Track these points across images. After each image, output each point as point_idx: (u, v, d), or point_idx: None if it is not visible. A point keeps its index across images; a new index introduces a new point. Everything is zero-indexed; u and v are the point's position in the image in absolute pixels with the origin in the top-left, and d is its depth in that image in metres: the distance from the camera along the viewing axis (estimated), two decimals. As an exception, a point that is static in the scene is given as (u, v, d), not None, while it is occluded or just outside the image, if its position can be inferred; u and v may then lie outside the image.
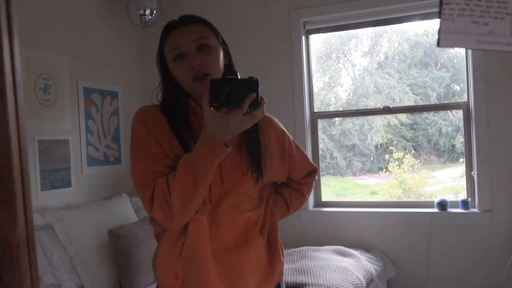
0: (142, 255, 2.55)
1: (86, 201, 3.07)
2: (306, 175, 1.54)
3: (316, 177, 1.58)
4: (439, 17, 0.46)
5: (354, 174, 4.54)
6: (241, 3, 3.52)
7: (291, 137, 1.50)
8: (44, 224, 2.60)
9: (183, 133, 1.27)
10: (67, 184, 2.97)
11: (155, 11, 3.34)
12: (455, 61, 4.15)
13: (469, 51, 3.03)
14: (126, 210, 2.99)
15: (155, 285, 2.53)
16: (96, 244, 2.60)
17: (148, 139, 1.25)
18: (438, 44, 0.46)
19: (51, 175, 2.84)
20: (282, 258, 1.42)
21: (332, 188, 4.32)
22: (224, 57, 1.35)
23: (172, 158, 1.24)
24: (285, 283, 2.12)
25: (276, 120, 1.49)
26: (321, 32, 3.51)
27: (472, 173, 3.08)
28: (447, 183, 4.08)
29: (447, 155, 4.23)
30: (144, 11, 3.30)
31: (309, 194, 1.57)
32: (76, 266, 2.51)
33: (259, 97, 1.15)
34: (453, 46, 0.45)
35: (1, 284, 0.48)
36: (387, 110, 3.36)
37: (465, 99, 3.15)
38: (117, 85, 3.49)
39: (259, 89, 1.15)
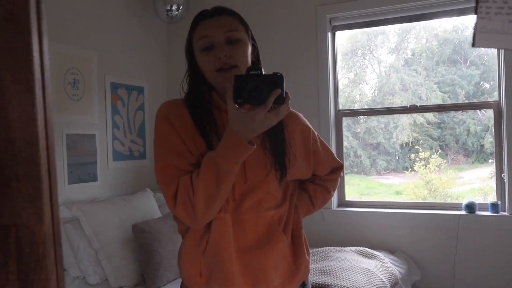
0: (165, 251, 2.57)
1: (111, 195, 3.11)
2: (331, 171, 1.51)
3: (342, 174, 1.55)
4: (476, 16, 0.44)
5: (379, 173, 4.49)
6: (268, -1, 3.50)
7: (316, 133, 1.47)
8: (71, 217, 2.64)
9: (206, 128, 1.25)
10: (93, 178, 3.02)
11: (181, 7, 3.36)
12: (485, 59, 4.05)
13: (502, 50, 2.95)
14: (150, 205, 3.02)
15: (177, 281, 2.56)
16: (120, 238, 2.63)
17: (172, 135, 1.23)
18: (473, 44, 0.44)
19: (78, 169, 2.89)
20: (307, 257, 1.39)
21: (356, 187, 4.28)
22: (252, 52, 1.34)
23: (196, 155, 1.22)
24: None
25: (301, 115, 1.47)
26: (347, 29, 3.47)
27: (502, 175, 3.00)
28: (475, 184, 3.99)
29: (476, 155, 4.14)
30: (171, 6, 3.32)
31: (334, 190, 1.54)
32: (101, 260, 2.54)
33: (284, 93, 1.13)
34: (489, 46, 0.44)
35: (27, 281, 0.48)
36: (414, 109, 3.29)
37: (496, 98, 3.07)
38: (143, 81, 3.53)
39: (284, 85, 1.13)
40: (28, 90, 0.46)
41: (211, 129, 1.25)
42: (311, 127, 1.46)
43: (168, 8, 3.33)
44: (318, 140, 1.46)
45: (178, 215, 1.20)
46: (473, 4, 2.96)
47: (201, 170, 1.16)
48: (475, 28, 0.45)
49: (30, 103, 0.46)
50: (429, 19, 3.25)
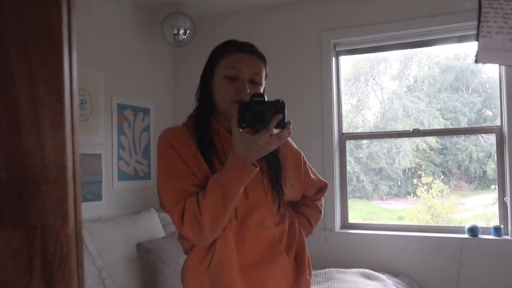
0: (169, 270, 2.57)
1: (116, 214, 3.12)
2: (318, 191, 1.58)
3: (326, 192, 1.62)
4: (477, 35, 0.47)
5: (381, 198, 4.49)
6: (273, 23, 3.58)
7: (303, 156, 1.54)
8: (75, 236, 2.65)
9: (206, 151, 1.31)
10: (98, 197, 3.03)
11: (188, 31, 3.43)
12: (487, 86, 4.09)
13: (503, 73, 2.99)
14: (154, 225, 3.03)
15: (180, 300, 2.55)
16: (124, 257, 2.64)
17: (175, 159, 1.29)
18: (476, 61, 0.47)
19: (84, 188, 2.92)
20: (309, 277, 1.42)
21: (358, 212, 4.28)
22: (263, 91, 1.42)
23: (199, 176, 1.28)
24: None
25: (290, 140, 1.53)
26: (351, 54, 3.53)
27: (505, 198, 3.01)
28: (478, 210, 3.98)
29: (478, 181, 4.14)
30: (178, 30, 3.40)
31: (322, 208, 1.61)
32: (104, 279, 2.54)
33: (286, 119, 1.18)
34: (491, 62, 0.47)
35: (51, 279, 0.50)
36: (417, 133, 3.33)
37: (498, 123, 3.10)
38: (149, 102, 3.58)
39: (286, 111, 1.19)
40: (58, 99, 0.49)
41: (211, 152, 1.31)
42: (300, 150, 1.54)
43: (175, 32, 3.40)
44: (307, 163, 1.54)
45: (185, 234, 1.25)
46: (474, 32, 3.03)
47: (207, 192, 1.21)
48: (478, 46, 0.49)
49: (59, 110, 0.49)
50: (431, 46, 3.31)
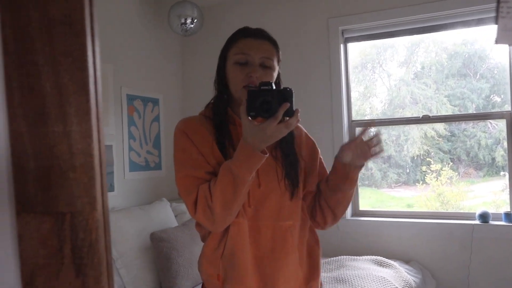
0: (182, 259, 2.60)
1: (128, 205, 3.15)
2: None
3: None
4: (496, 16, 0.47)
5: (390, 186, 4.48)
6: (280, 11, 3.56)
7: (317, 146, 1.55)
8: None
9: (222, 139, 1.34)
10: (110, 188, 3.06)
11: (196, 20, 3.43)
12: (495, 72, 4.06)
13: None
14: (167, 214, 3.05)
15: (194, 289, 2.59)
16: (137, 247, 2.67)
17: (189, 148, 1.32)
18: (496, 42, 0.47)
19: (95, 179, 2.94)
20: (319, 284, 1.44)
21: (367, 200, 4.28)
22: (276, 77, 1.42)
23: (213, 165, 1.31)
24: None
25: (304, 129, 1.55)
26: (360, 40, 3.51)
27: (516, 184, 3.00)
28: (487, 197, 3.97)
29: (487, 168, 4.12)
30: (185, 20, 3.39)
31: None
32: (118, 269, 2.57)
33: (293, 107, 1.19)
34: (510, 43, 0.47)
35: (81, 264, 0.51)
36: (427, 119, 3.31)
37: (508, 109, 3.08)
38: (158, 93, 3.59)
39: (293, 98, 1.20)
40: (83, 87, 0.50)
41: (226, 141, 1.34)
42: (314, 141, 1.54)
43: (183, 21, 3.39)
44: (320, 156, 1.55)
45: (199, 220, 1.28)
46: (483, 16, 3.00)
47: (218, 179, 1.24)
48: (497, 27, 0.49)
49: (84, 99, 0.50)
50: (440, 31, 3.28)
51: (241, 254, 1.31)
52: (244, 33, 1.38)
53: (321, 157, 1.54)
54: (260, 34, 1.38)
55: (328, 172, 1.48)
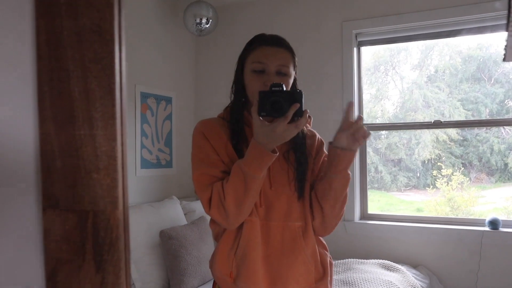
0: (191, 257, 2.63)
1: (139, 202, 3.19)
2: None
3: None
4: (508, 33, 0.49)
5: (399, 190, 4.47)
6: (295, 14, 3.58)
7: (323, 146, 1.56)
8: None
9: (238, 141, 1.39)
10: (122, 184, 3.10)
11: (211, 20, 3.46)
12: (511, 77, 4.03)
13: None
14: (176, 212, 3.08)
15: (202, 287, 2.61)
16: (147, 244, 2.70)
17: (206, 147, 1.37)
18: (504, 59, 0.49)
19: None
20: (329, 285, 1.46)
21: (376, 203, 4.28)
22: (293, 83, 1.46)
23: (227, 164, 1.36)
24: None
25: (317, 134, 1.57)
26: (373, 44, 3.51)
27: (526, 192, 2.99)
28: (498, 203, 3.94)
29: (499, 174, 4.09)
30: (201, 20, 3.42)
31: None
32: (128, 264, 2.61)
33: (303, 108, 1.23)
34: (520, 61, 0.48)
35: (101, 261, 0.54)
36: (438, 124, 3.31)
37: (522, 116, 3.07)
38: (172, 91, 3.62)
39: (303, 100, 1.24)
40: (109, 93, 0.53)
41: (241, 142, 1.39)
42: (323, 142, 1.56)
43: (198, 21, 3.43)
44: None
45: (213, 217, 1.33)
46: (497, 23, 2.99)
47: (230, 177, 1.29)
48: (506, 44, 0.50)
49: (110, 104, 0.53)
50: (454, 36, 3.28)
51: (253, 252, 1.34)
52: (261, 41, 1.42)
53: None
54: (276, 42, 1.42)
55: None
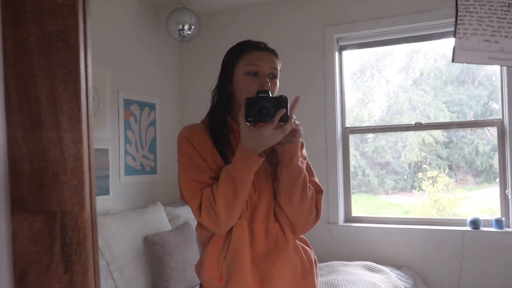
0: (175, 263, 2.63)
1: (123, 208, 3.18)
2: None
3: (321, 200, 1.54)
4: (454, 36, 0.52)
5: (387, 193, 4.50)
6: (276, 19, 3.62)
7: (306, 157, 1.57)
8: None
9: (222, 147, 1.41)
10: (106, 191, 3.10)
11: (193, 27, 3.48)
12: (493, 79, 4.10)
13: (504, 68, 3.02)
14: (161, 218, 3.08)
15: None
16: (131, 250, 2.70)
17: (193, 154, 1.39)
18: (453, 60, 0.52)
19: (92, 182, 2.97)
20: (315, 279, 1.49)
21: (364, 206, 4.30)
22: None
23: (215, 169, 1.38)
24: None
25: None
26: (355, 48, 3.56)
27: (506, 191, 3.04)
28: (484, 204, 4.00)
29: (484, 175, 4.15)
30: (183, 26, 3.44)
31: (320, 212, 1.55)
32: (112, 272, 2.61)
33: (289, 113, 1.28)
34: (466, 61, 0.51)
35: (69, 261, 0.56)
36: (419, 126, 3.37)
37: (500, 117, 3.14)
38: (155, 97, 3.63)
39: (289, 105, 1.29)
40: (76, 97, 0.55)
41: (226, 147, 1.42)
42: (304, 149, 1.56)
43: (180, 27, 3.44)
44: (307, 160, 1.56)
45: (204, 223, 1.35)
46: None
47: (219, 182, 1.31)
48: (454, 46, 0.53)
49: (76, 108, 0.55)
50: (435, 39, 3.34)
51: (243, 254, 1.37)
52: (252, 46, 1.46)
53: (311, 167, 1.55)
54: (265, 47, 1.48)
55: (313, 175, 1.51)
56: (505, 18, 0.50)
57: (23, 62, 0.54)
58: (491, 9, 0.53)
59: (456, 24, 0.51)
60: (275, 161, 1.44)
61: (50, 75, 0.54)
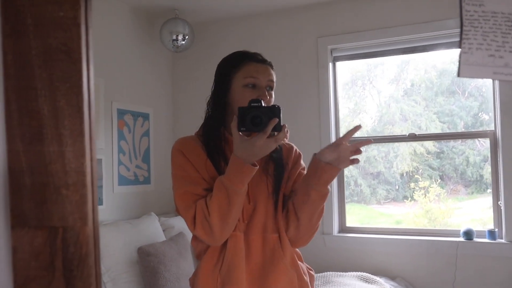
0: (170, 274, 2.61)
1: (116, 219, 3.15)
2: None
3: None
4: (460, 50, 0.52)
5: (379, 203, 4.50)
6: (270, 29, 3.63)
7: (303, 163, 1.58)
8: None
9: (216, 158, 1.40)
10: (99, 202, 3.07)
11: (187, 37, 3.48)
12: (484, 90, 4.13)
13: (496, 81, 3.05)
14: (155, 229, 3.06)
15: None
16: (125, 261, 2.67)
17: (187, 166, 1.38)
18: (458, 75, 0.52)
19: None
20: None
21: (356, 216, 4.30)
22: None
23: (208, 181, 1.36)
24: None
25: (295, 147, 1.60)
26: (348, 60, 3.58)
27: (499, 202, 3.06)
28: (475, 214, 4.01)
29: (475, 185, 4.17)
30: (177, 36, 3.45)
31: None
32: (105, 283, 2.58)
33: (281, 123, 1.27)
34: (471, 76, 0.52)
35: (71, 276, 0.55)
36: (412, 137, 3.39)
37: (493, 128, 3.16)
38: (149, 107, 3.62)
39: (281, 115, 1.28)
40: (78, 110, 0.54)
41: (220, 159, 1.40)
42: (301, 155, 1.59)
43: (174, 37, 3.45)
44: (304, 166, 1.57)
45: (198, 235, 1.33)
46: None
47: (213, 193, 1.30)
48: (459, 61, 0.54)
49: (79, 121, 0.54)
50: (427, 51, 3.37)
51: (238, 266, 1.35)
52: (250, 58, 1.46)
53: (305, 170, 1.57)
54: (263, 59, 1.48)
55: None
56: (510, 33, 0.50)
57: (24, 75, 0.53)
58: (495, 24, 0.53)
59: (461, 39, 0.52)
60: (271, 172, 1.44)
61: (51, 88, 0.53)
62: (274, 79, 1.47)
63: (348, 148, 1.33)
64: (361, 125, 1.37)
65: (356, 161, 1.34)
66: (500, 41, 0.52)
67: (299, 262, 1.48)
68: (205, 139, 1.43)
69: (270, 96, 1.43)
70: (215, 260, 1.39)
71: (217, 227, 1.29)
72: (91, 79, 0.56)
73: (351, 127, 1.33)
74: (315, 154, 1.37)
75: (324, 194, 1.37)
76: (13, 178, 0.54)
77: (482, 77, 0.52)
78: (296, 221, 1.41)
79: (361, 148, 1.36)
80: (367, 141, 1.40)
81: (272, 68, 1.49)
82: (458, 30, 0.52)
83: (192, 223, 1.32)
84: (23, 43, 0.53)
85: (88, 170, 0.55)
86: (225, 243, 1.37)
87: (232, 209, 1.29)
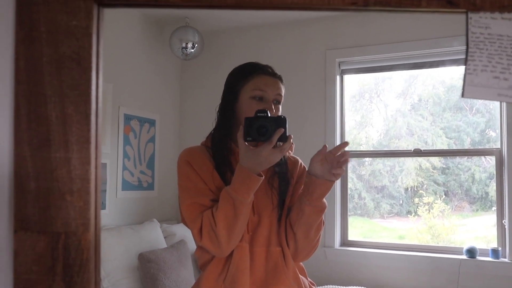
0: (169, 281, 2.60)
1: (118, 224, 3.16)
2: None
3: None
4: (464, 71, 0.53)
5: (382, 217, 4.48)
6: (279, 41, 3.65)
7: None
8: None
9: (223, 169, 1.40)
10: (102, 206, 3.08)
11: (196, 45, 3.51)
12: (491, 107, 4.13)
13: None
14: (157, 235, 3.06)
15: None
16: (125, 267, 2.67)
17: (193, 177, 1.37)
18: (462, 95, 0.53)
19: (88, 197, 2.96)
20: None
21: (359, 230, 4.29)
22: None
23: (215, 192, 1.36)
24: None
25: (301, 161, 1.59)
26: (356, 73, 3.59)
27: (503, 221, 3.04)
28: (479, 231, 3.98)
29: (480, 202, 4.14)
30: (186, 44, 3.47)
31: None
32: None
33: (287, 133, 1.27)
34: (475, 97, 0.52)
35: (71, 282, 0.55)
36: (418, 153, 3.38)
37: (499, 146, 3.15)
38: (155, 114, 3.64)
39: (287, 125, 1.28)
40: (85, 118, 0.55)
41: (226, 170, 1.40)
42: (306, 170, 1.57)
43: (184, 45, 3.47)
44: None
45: (205, 246, 1.32)
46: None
47: (219, 204, 1.29)
48: (464, 82, 0.54)
49: (86, 128, 0.55)
50: (435, 67, 3.38)
51: (243, 278, 1.35)
52: (260, 70, 1.45)
53: None
54: (273, 73, 1.47)
55: None
56: (515, 56, 0.51)
57: (34, 81, 0.54)
58: (501, 47, 0.54)
59: (466, 60, 0.52)
60: (276, 185, 1.43)
61: (61, 95, 0.54)
62: (283, 93, 1.47)
63: (336, 158, 1.31)
64: (348, 142, 1.36)
65: (343, 163, 1.31)
66: (505, 64, 0.53)
67: (301, 277, 1.47)
68: (213, 151, 1.43)
69: (277, 110, 1.43)
70: (220, 270, 1.38)
71: (224, 237, 1.28)
72: (100, 88, 0.57)
73: (357, 139, 1.33)
74: (307, 170, 1.37)
75: (319, 209, 1.37)
76: (18, 182, 0.54)
77: (486, 99, 0.52)
78: (294, 237, 1.41)
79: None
80: (344, 143, 1.36)
81: (282, 82, 1.48)
82: (465, 48, 0.52)
83: (199, 234, 1.31)
84: (36, 49, 0.54)
85: (92, 177, 0.55)
86: (231, 254, 1.36)
87: (238, 220, 1.28)
